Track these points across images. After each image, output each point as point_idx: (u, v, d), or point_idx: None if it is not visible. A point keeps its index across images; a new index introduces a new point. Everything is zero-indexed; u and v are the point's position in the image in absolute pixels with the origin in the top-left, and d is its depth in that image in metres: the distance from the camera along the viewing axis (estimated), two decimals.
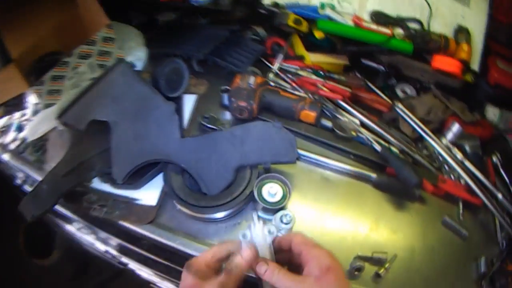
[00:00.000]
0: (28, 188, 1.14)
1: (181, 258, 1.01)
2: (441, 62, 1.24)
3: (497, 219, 1.21)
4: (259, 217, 0.80)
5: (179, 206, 1.06)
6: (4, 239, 1.40)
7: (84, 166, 1.05)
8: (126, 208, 1.05)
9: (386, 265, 1.06)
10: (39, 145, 1.15)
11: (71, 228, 1.14)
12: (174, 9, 1.52)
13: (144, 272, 1.15)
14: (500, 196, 1.19)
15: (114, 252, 1.13)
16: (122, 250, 1.13)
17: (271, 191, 1.08)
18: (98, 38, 1.18)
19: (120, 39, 1.25)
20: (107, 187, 1.09)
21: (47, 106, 1.12)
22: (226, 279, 0.70)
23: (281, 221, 1.04)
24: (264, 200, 1.07)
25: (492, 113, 1.40)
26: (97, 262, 1.19)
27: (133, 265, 1.15)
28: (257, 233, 0.77)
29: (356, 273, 1.04)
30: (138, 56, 1.33)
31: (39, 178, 1.07)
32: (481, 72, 1.31)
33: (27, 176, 1.14)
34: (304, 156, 1.22)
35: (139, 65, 1.33)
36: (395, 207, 1.20)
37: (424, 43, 1.23)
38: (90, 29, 1.18)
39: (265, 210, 1.07)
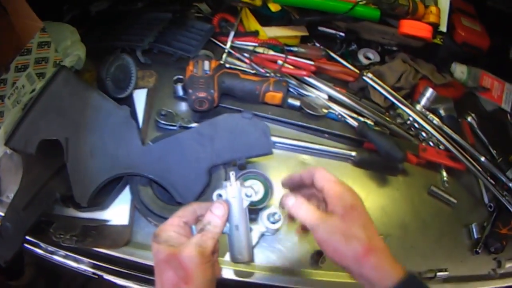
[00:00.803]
0: None
1: None
2: (410, 27, 1.15)
3: (481, 182, 1.17)
4: (236, 176, 0.72)
5: (154, 222, 0.96)
6: None
7: (43, 194, 0.91)
8: (98, 232, 0.94)
9: None
10: None
11: (38, 250, 1.00)
12: None
13: (120, 281, 1.04)
14: (482, 158, 1.15)
15: (86, 268, 1.01)
16: (96, 267, 1.01)
17: (253, 189, 0.98)
18: (33, 45, 1.00)
19: (54, 39, 1.07)
20: (72, 212, 0.96)
21: None
22: (202, 238, 0.64)
23: (269, 220, 0.94)
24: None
25: (460, 71, 1.35)
26: (69, 272, 1.07)
27: (107, 276, 1.04)
28: (233, 194, 0.70)
29: None
30: (76, 56, 1.14)
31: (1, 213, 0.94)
32: (447, 31, 1.24)
33: None
34: (276, 142, 1.12)
35: (79, 66, 1.15)
36: (379, 184, 1.13)
37: (391, 9, 1.13)
38: (24, 37, 1.00)
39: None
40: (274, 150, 1.10)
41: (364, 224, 0.64)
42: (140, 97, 1.17)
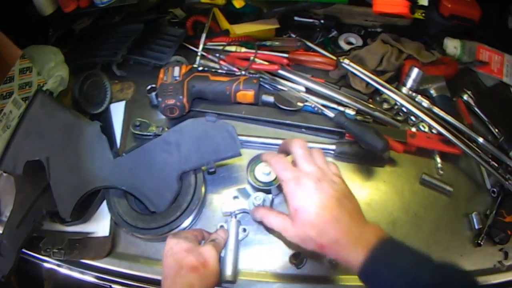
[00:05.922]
0: None
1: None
2: (384, 4, 1.05)
3: (481, 166, 1.05)
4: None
5: (131, 233, 0.97)
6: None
7: (33, 211, 0.96)
8: (82, 245, 0.98)
9: None
10: None
11: (46, 265, 1.02)
12: (86, 14, 1.33)
13: None
14: (480, 139, 1.02)
15: (92, 279, 1.01)
16: (98, 278, 1.01)
17: (265, 170, 0.97)
18: (15, 72, 1.05)
19: (39, 62, 1.13)
20: (59, 227, 1.01)
21: None
22: (215, 242, 0.85)
23: (253, 204, 0.94)
24: (258, 181, 0.97)
25: (453, 46, 1.23)
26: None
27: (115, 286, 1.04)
28: (232, 229, 0.92)
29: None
30: (58, 76, 1.16)
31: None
32: (432, 5, 1.13)
33: None
34: (250, 142, 1.07)
35: (64, 85, 1.17)
36: (364, 177, 1.05)
37: None
38: (7, 65, 1.05)
39: (259, 190, 0.97)
40: (249, 151, 1.05)
41: (311, 223, 0.71)
42: (117, 110, 1.17)
